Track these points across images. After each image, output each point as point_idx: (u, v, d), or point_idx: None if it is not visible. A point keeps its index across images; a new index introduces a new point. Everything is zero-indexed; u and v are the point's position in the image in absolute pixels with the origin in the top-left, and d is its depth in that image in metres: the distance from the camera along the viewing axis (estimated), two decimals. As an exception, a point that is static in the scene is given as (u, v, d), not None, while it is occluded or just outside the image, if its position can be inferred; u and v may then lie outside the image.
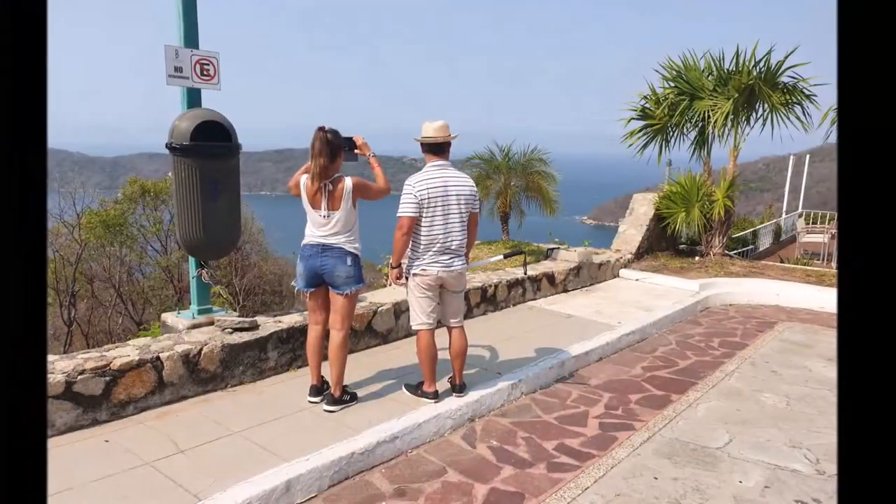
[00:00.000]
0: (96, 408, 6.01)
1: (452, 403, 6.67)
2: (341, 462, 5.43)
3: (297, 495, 5.10)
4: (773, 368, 8.64)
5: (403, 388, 7.09)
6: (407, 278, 6.77)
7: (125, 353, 6.43)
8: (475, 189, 6.92)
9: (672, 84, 16.20)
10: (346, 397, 6.66)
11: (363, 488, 5.36)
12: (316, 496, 5.20)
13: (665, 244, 16.56)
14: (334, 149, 6.29)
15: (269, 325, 7.60)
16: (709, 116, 15.21)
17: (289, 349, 7.58)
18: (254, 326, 7.46)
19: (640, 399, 7.49)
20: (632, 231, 15.64)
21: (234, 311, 9.26)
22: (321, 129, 6.32)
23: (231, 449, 5.63)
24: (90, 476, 5.07)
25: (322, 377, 6.85)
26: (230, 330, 7.31)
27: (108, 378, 6.07)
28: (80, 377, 5.91)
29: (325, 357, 6.84)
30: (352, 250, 6.44)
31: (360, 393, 6.88)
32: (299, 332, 7.60)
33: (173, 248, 23.75)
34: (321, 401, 6.64)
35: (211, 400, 6.68)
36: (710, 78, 15.85)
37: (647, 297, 12.16)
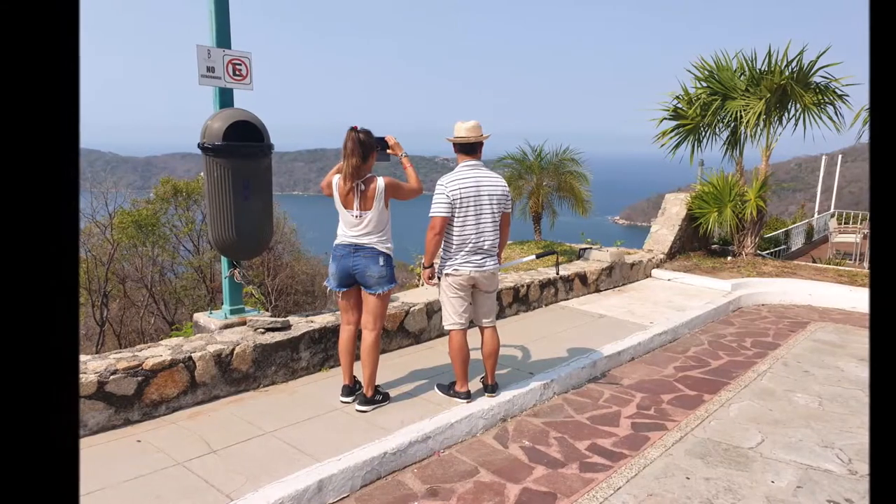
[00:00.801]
0: (129, 408, 6.04)
1: (485, 403, 6.65)
2: (373, 462, 5.42)
3: (329, 495, 5.09)
4: (806, 368, 8.57)
5: (436, 389, 7.08)
6: (439, 278, 6.76)
7: (157, 353, 6.46)
8: (507, 189, 6.89)
9: (704, 84, 16.10)
10: (378, 397, 6.65)
11: (395, 488, 5.35)
12: (348, 496, 5.19)
13: (697, 244, 16.46)
14: (366, 148, 6.29)
15: (301, 325, 7.61)
16: (741, 116, 15.10)
17: (321, 349, 7.58)
18: (286, 326, 7.47)
19: (673, 399, 7.45)
20: (664, 231, 15.56)
21: (267, 311, 9.29)
22: (353, 128, 6.33)
23: (263, 449, 5.63)
24: (123, 476, 5.09)
25: (354, 377, 6.86)
26: (262, 330, 7.33)
27: (140, 378, 6.10)
28: (112, 377, 5.94)
29: (357, 357, 6.86)
30: (384, 250, 6.43)
31: (392, 393, 6.88)
32: (331, 333, 7.60)
33: (205, 248, 23.85)
34: (353, 401, 6.64)
35: (243, 400, 6.70)
36: (742, 78, 15.74)
37: (679, 297, 12.10)
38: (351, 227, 6.41)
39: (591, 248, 13.83)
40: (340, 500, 5.15)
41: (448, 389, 6.93)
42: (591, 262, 12.95)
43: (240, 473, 5.17)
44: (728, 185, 15.58)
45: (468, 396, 6.75)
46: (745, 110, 15.03)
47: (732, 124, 15.83)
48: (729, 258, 15.81)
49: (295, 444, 5.71)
